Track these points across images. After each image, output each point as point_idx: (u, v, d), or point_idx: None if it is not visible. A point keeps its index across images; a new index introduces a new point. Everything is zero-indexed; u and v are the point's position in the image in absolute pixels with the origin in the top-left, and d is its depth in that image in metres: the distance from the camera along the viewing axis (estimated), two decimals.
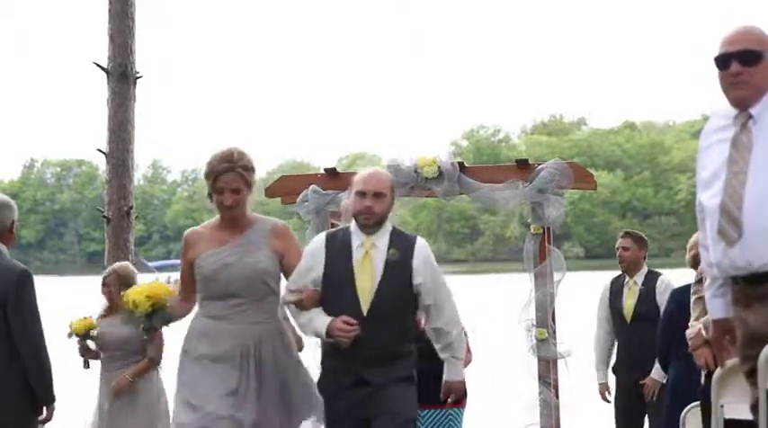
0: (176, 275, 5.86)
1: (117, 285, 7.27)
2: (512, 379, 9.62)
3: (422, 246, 5.58)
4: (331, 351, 5.50)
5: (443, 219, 79.13)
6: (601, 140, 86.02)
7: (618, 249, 8.17)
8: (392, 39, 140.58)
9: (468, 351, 7.72)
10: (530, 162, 8.03)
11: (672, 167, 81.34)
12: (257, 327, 5.50)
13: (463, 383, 5.84)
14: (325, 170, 8.26)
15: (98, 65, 9.96)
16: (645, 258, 8.21)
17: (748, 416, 4.50)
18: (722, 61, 4.32)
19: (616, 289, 8.18)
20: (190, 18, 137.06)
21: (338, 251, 5.52)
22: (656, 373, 7.74)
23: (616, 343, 8.20)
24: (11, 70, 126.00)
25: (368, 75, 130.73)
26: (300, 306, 5.45)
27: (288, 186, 8.33)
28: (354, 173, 5.80)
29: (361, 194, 5.52)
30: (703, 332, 5.63)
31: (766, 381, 4.23)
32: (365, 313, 5.42)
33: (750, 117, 4.28)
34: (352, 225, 5.59)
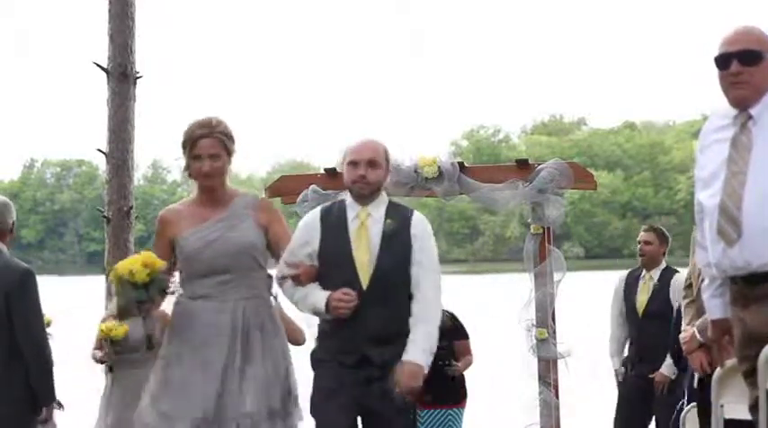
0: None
1: None
2: (512, 379, 9.63)
3: (419, 218, 5.32)
4: (331, 330, 5.22)
5: (443, 219, 79.08)
6: (601, 140, 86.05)
7: (640, 243, 8.13)
8: (392, 39, 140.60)
9: (470, 353, 7.73)
10: (530, 162, 8.03)
11: (672, 167, 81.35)
12: (247, 303, 5.26)
13: (419, 367, 5.12)
14: (325, 170, 8.26)
15: (98, 65, 9.96)
16: (665, 254, 8.21)
17: (748, 416, 4.50)
18: (722, 61, 4.32)
19: (631, 282, 8.17)
20: (190, 18, 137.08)
21: (334, 224, 5.26)
22: (667, 368, 7.72)
23: (628, 339, 8.17)
24: (11, 70, 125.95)
25: (368, 75, 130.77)
26: (297, 281, 5.19)
27: (288, 186, 8.33)
28: None
29: (354, 164, 5.26)
30: (698, 335, 5.63)
31: (766, 381, 4.23)
32: (365, 287, 5.14)
33: (750, 117, 4.28)
34: (348, 197, 5.35)
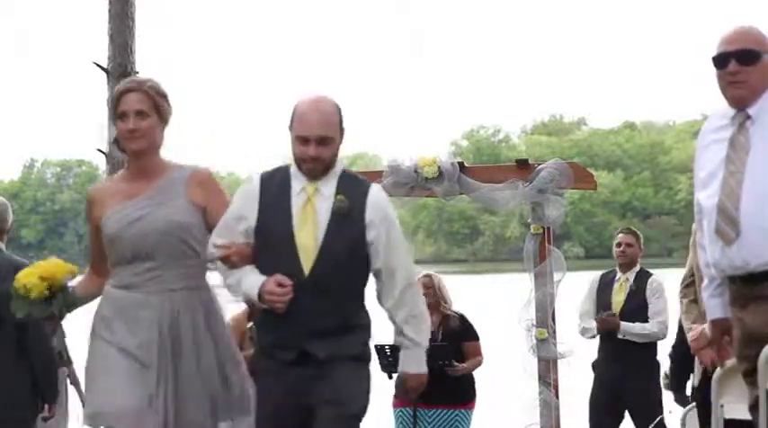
0: None
1: None
2: (512, 379, 9.62)
3: (377, 194, 4.54)
4: (268, 321, 4.50)
5: (443, 219, 79.15)
6: (601, 140, 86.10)
7: (621, 245, 8.08)
8: (392, 39, 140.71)
9: (479, 354, 7.73)
10: (530, 162, 8.04)
11: (672, 167, 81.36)
12: (173, 296, 4.54)
13: (421, 377, 4.60)
14: None
15: (98, 65, 9.96)
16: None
17: (748, 416, 4.50)
18: (720, 60, 4.33)
19: (605, 283, 8.15)
20: (190, 18, 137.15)
21: (275, 196, 4.49)
22: (633, 328, 7.73)
23: (598, 338, 8.11)
24: (11, 70, 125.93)
25: (368, 75, 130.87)
26: (228, 262, 4.44)
27: None
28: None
29: (303, 140, 4.47)
30: (707, 332, 5.63)
31: (766, 381, 4.23)
32: (307, 274, 4.40)
33: (748, 117, 4.29)
34: (293, 166, 4.58)
